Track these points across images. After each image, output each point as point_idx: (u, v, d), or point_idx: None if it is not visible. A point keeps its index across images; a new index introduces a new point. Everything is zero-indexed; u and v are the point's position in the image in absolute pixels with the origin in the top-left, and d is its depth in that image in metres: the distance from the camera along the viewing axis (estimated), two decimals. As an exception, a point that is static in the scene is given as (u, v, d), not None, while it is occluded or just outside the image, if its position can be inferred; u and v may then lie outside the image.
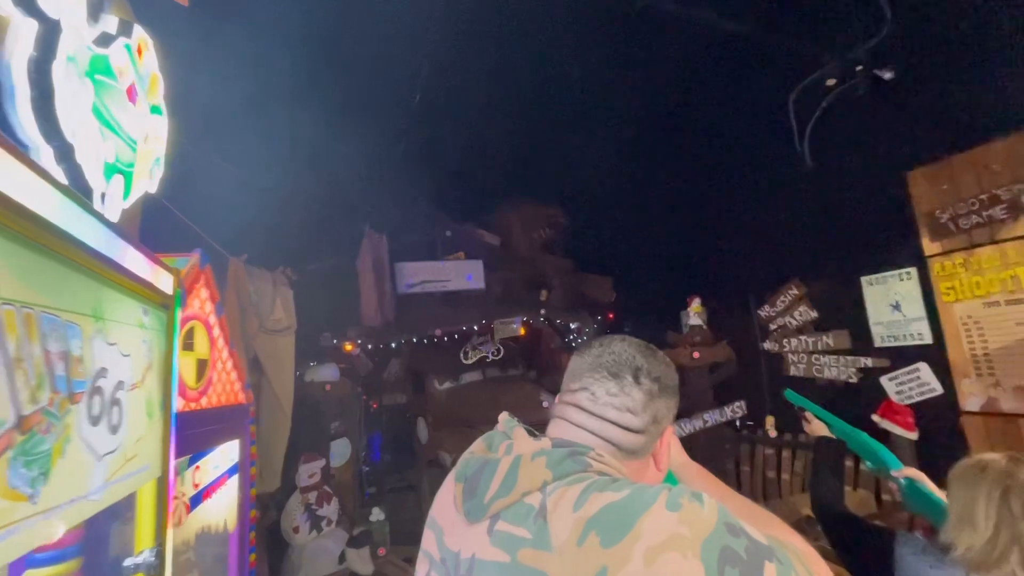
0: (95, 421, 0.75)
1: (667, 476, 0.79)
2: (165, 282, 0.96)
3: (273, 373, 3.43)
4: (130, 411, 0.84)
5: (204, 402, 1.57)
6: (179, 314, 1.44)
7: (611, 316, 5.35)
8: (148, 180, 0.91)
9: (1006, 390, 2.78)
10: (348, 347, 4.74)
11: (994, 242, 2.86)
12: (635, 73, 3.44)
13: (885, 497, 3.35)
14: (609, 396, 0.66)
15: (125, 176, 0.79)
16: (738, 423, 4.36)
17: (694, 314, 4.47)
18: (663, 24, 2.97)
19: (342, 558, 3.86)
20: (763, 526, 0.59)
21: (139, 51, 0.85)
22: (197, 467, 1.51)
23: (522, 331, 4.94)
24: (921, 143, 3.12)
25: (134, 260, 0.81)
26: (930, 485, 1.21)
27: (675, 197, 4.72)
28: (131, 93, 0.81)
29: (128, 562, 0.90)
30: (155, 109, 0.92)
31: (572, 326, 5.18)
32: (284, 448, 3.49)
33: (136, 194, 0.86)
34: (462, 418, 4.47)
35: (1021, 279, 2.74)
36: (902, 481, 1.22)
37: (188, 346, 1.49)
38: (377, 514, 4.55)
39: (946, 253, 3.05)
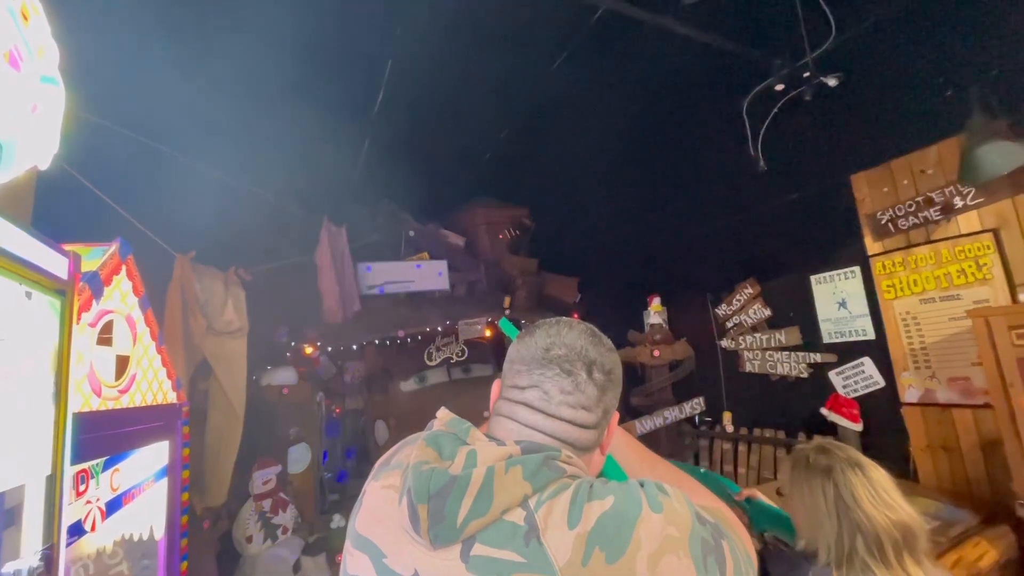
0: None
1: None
2: (57, 265, 0.89)
3: (224, 376, 3.30)
4: (5, 402, 0.77)
5: (126, 401, 1.48)
6: (95, 306, 1.36)
7: (575, 316, 5.39)
8: (37, 155, 0.85)
9: (941, 382, 2.92)
10: (308, 350, 4.60)
11: (929, 242, 3.02)
12: (596, 79, 3.51)
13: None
14: (563, 395, 0.63)
15: (1, 147, 0.73)
16: (697, 419, 4.45)
17: (654, 313, 4.55)
18: (622, 33, 3.05)
19: (297, 566, 3.73)
20: (693, 495, 0.61)
21: (24, 15, 0.79)
22: (116, 469, 1.42)
23: (487, 332, 4.92)
24: (864, 148, 3.28)
25: (7, 235, 0.74)
26: (768, 500, 1.24)
27: (638, 199, 4.82)
28: (12, 58, 0.75)
29: (8, 568, 0.82)
30: (47, 79, 0.86)
31: (538, 326, 5.18)
32: (234, 457, 3.35)
33: (19, 168, 0.80)
34: (425, 421, 4.44)
35: (953, 277, 2.90)
36: (744, 504, 1.23)
37: (105, 341, 1.40)
38: (338, 521, 4.43)
39: (886, 252, 3.20)
